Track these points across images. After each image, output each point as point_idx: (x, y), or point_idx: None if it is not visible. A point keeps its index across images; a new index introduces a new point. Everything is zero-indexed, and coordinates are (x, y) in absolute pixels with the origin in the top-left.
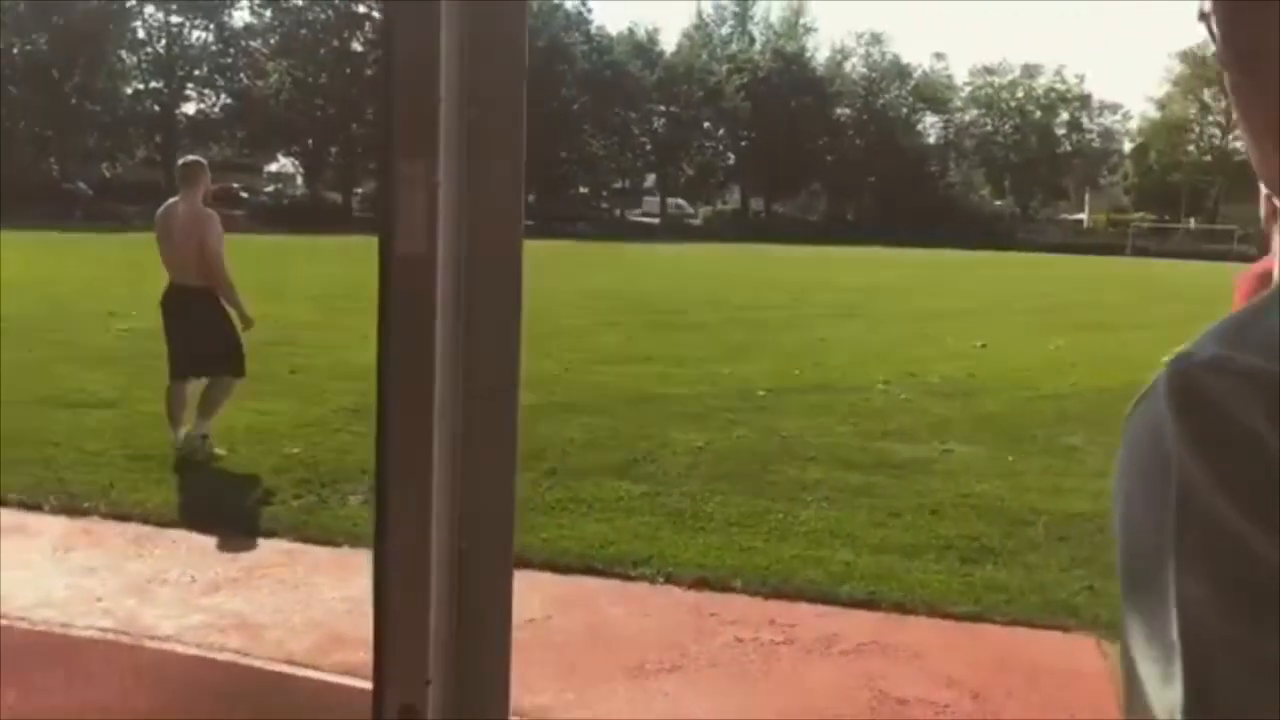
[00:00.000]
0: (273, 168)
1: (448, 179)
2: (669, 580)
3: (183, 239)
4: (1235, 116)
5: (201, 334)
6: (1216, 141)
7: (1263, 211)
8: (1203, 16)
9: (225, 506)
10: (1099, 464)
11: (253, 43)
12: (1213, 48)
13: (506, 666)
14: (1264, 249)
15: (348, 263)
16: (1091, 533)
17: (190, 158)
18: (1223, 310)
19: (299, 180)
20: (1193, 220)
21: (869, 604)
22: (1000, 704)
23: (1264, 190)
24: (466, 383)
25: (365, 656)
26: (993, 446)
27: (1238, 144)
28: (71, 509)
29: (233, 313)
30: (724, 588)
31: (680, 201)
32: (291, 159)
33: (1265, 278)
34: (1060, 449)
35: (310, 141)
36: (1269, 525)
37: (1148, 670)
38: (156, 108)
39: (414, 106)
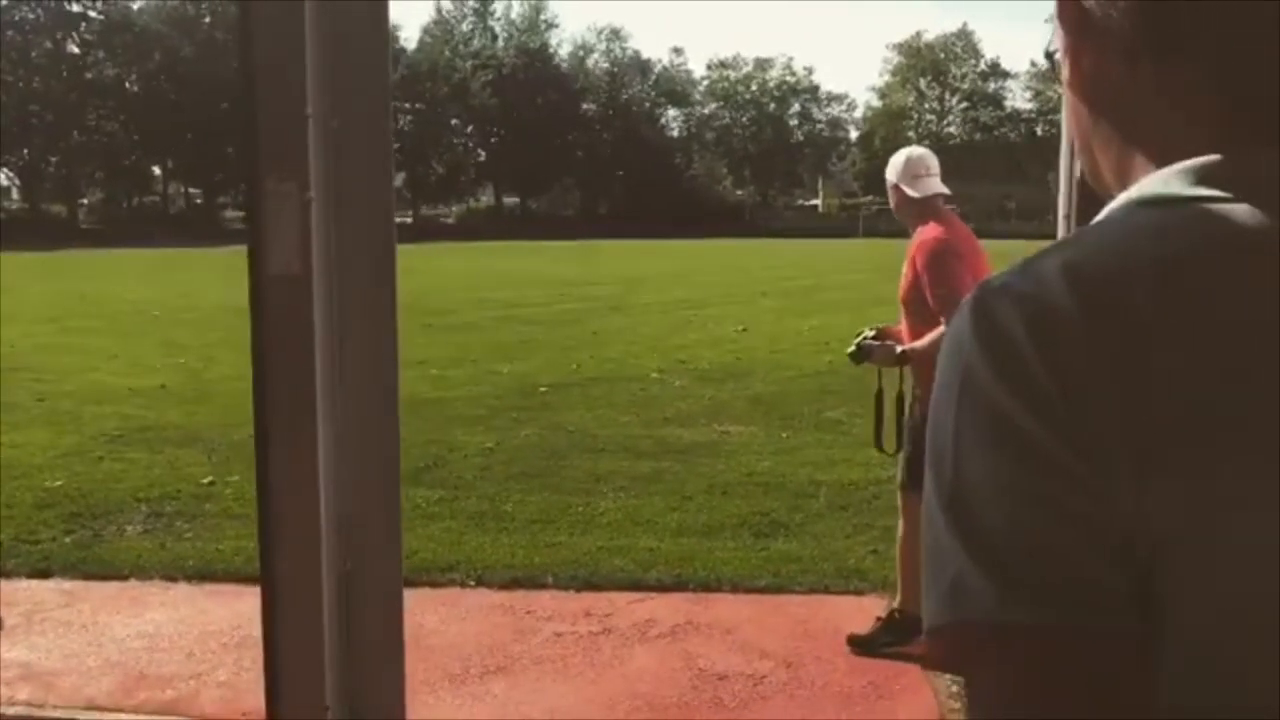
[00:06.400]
0: None
1: (318, 195)
2: (480, 583)
3: None
4: (1073, 134)
5: None
6: (933, 127)
7: (892, 201)
8: (1048, 55)
9: None
10: (863, 435)
11: None
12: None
13: (402, 684)
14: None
15: (80, 279)
16: (867, 500)
17: None
18: None
19: (14, 193)
20: None
21: (677, 586)
22: (812, 670)
23: (889, 181)
24: (346, 401)
25: (173, 693)
26: (766, 426)
27: (951, 129)
28: None
29: None
30: (536, 585)
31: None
32: (4, 170)
33: (930, 245)
34: (827, 423)
35: (26, 151)
36: (1018, 396)
37: (933, 507)
38: None
39: (281, 123)
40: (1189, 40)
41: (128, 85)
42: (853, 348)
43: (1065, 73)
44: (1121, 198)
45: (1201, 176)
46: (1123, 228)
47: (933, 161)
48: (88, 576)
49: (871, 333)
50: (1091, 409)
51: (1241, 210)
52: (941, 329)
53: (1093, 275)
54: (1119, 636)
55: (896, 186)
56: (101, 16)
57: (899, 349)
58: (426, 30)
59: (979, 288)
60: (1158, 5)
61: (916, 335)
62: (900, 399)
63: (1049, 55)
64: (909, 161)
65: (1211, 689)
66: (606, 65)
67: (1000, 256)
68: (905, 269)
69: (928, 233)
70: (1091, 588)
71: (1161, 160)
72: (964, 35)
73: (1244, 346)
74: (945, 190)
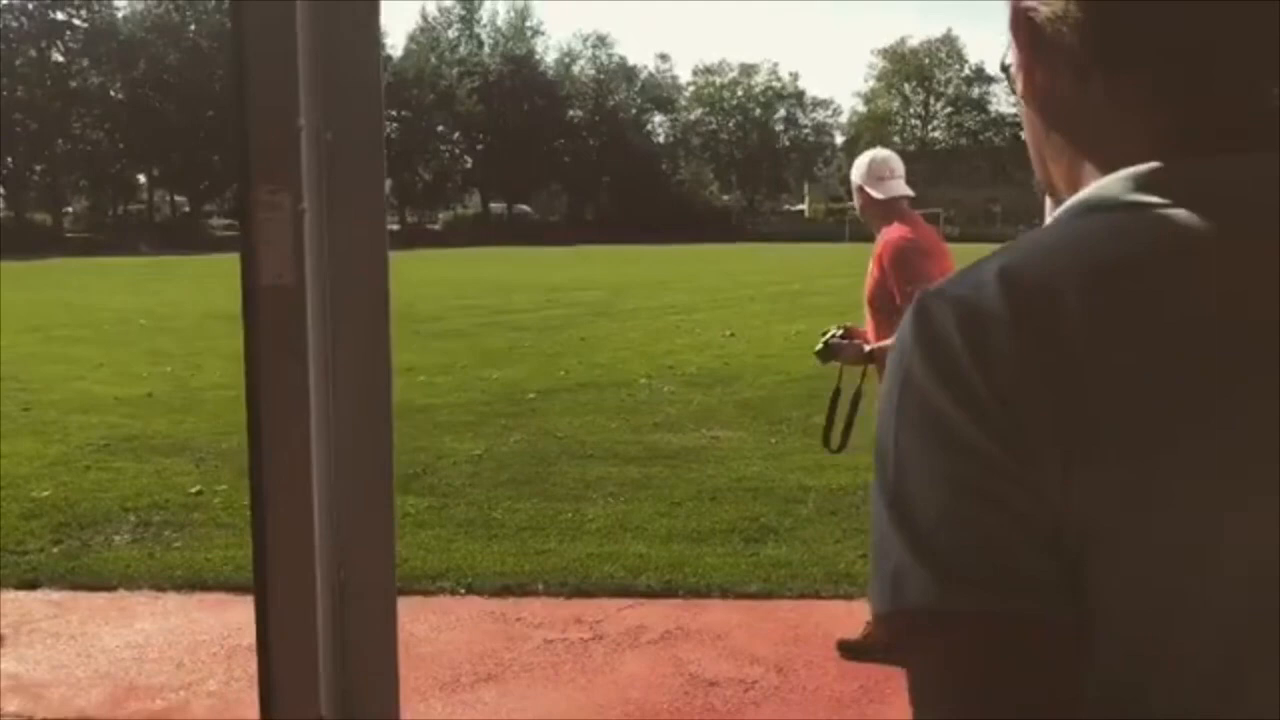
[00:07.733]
0: None
1: (311, 206)
2: (470, 591)
3: None
4: (1028, 143)
5: None
6: (918, 132)
7: (856, 203)
8: (1004, 68)
9: None
10: (850, 440)
11: None
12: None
13: (395, 691)
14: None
15: (66, 288)
16: (856, 504)
17: None
18: None
19: None
20: None
21: (667, 592)
22: (803, 675)
23: (854, 183)
24: (339, 410)
25: (163, 703)
26: (754, 431)
27: (936, 134)
28: None
29: None
30: (526, 592)
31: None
32: None
33: (897, 243)
34: (815, 428)
35: (10, 160)
36: (956, 400)
37: (877, 502)
38: None
39: (274, 134)
40: (1137, 54)
41: (112, 93)
42: (820, 346)
43: (1019, 86)
44: (1066, 203)
45: (1142, 183)
46: (1063, 232)
47: (897, 164)
48: (76, 587)
49: (839, 331)
50: (1022, 411)
51: (1180, 215)
52: None
53: (1027, 280)
54: (1053, 624)
55: (861, 188)
56: (86, 24)
57: (867, 348)
58: (412, 37)
59: (922, 293)
60: (1106, 21)
61: (882, 335)
62: (856, 398)
63: (1004, 68)
64: (873, 163)
65: (1134, 677)
66: (592, 72)
67: None
68: (871, 268)
69: (893, 232)
70: (1025, 578)
71: (1110, 170)
72: (948, 40)
73: (1176, 350)
74: (909, 192)
